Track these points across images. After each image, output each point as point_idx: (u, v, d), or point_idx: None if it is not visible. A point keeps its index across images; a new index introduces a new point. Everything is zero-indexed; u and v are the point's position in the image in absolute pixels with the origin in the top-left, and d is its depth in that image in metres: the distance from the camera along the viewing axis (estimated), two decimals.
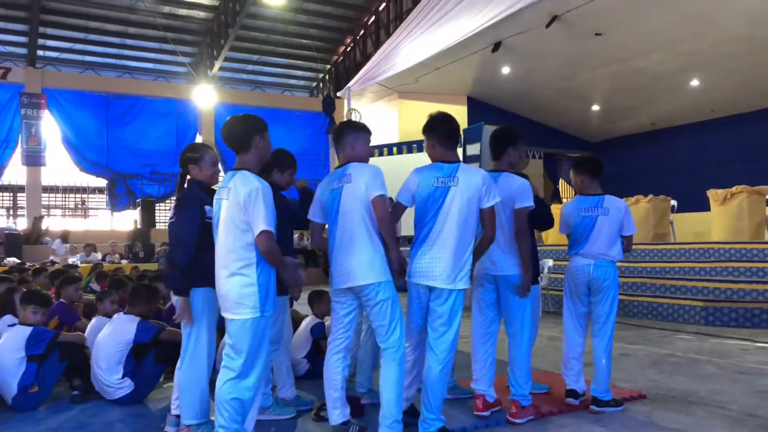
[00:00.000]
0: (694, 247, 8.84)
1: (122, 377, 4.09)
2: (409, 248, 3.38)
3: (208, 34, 17.80)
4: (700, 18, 11.47)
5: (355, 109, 15.81)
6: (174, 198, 13.97)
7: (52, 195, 17.47)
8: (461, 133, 13.40)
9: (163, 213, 17.34)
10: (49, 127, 16.40)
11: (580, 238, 3.91)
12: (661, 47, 12.83)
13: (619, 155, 17.97)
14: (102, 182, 17.58)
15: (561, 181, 19.33)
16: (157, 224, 15.32)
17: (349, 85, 15.80)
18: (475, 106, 17.16)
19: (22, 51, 16.67)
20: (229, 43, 16.75)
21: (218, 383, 2.90)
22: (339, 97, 17.27)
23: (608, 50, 13.27)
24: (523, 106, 17.46)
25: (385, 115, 17.53)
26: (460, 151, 13.20)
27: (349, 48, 19.15)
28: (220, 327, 3.21)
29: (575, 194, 4.12)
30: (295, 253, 3.98)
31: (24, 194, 16.53)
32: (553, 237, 10.81)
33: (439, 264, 3.18)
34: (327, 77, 20.41)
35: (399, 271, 3.30)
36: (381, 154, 15.06)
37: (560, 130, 19.01)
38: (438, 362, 3.19)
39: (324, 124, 18.63)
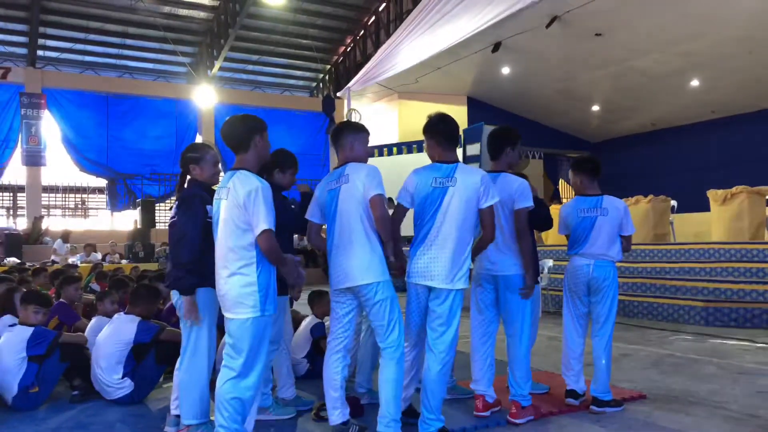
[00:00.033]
0: (694, 247, 8.83)
1: (122, 377, 4.09)
2: (408, 249, 3.38)
3: (208, 34, 17.80)
4: (700, 18, 11.47)
5: (355, 110, 15.81)
6: (174, 198, 13.98)
7: (52, 195, 17.46)
8: (461, 133, 13.42)
9: (163, 213, 17.33)
10: (49, 127, 16.40)
11: (579, 239, 3.91)
12: (661, 47, 12.83)
13: (619, 155, 17.97)
14: (102, 182, 17.58)
15: (561, 182, 19.33)
16: (157, 224, 15.31)
17: (349, 85, 15.80)
18: (475, 107, 17.16)
19: (22, 51, 16.67)
20: (229, 43, 16.75)
21: (218, 383, 2.90)
22: (339, 98, 17.27)
23: (608, 50, 13.27)
24: (523, 106, 17.46)
25: (385, 115, 17.53)
26: (460, 151, 13.20)
27: (349, 48, 19.15)
28: (220, 326, 3.21)
29: (575, 195, 4.12)
30: (296, 253, 3.97)
31: (24, 194, 16.52)
32: (553, 237, 10.81)
33: (437, 264, 3.18)
34: (327, 77, 20.40)
35: (399, 269, 3.30)
36: (381, 155, 15.06)
37: (560, 130, 19.01)
38: (437, 362, 3.19)
39: (324, 124, 18.64)
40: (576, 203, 3.99)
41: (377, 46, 16.42)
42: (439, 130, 3.38)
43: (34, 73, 16.31)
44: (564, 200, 17.97)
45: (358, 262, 3.12)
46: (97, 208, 18.17)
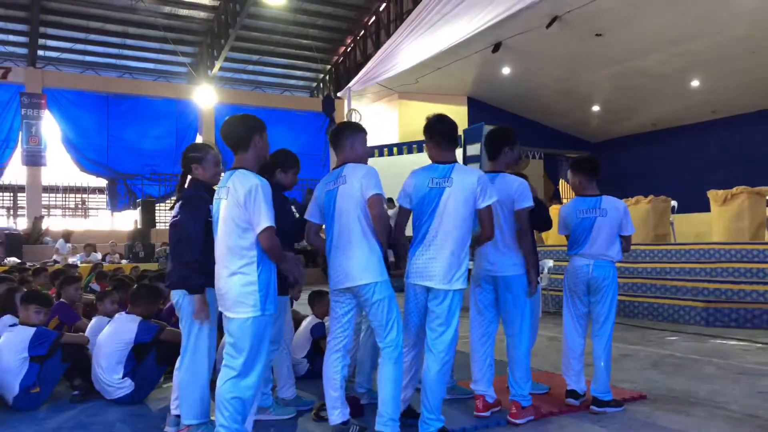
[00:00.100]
0: (694, 247, 8.83)
1: (122, 377, 4.09)
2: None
3: (208, 34, 17.81)
4: (700, 19, 11.47)
5: (355, 110, 15.81)
6: (174, 198, 13.99)
7: (53, 195, 17.47)
8: (461, 133, 13.42)
9: (164, 213, 17.34)
10: (50, 127, 16.40)
11: (579, 239, 3.92)
12: (662, 48, 12.83)
13: (620, 156, 17.96)
14: (102, 182, 17.59)
15: (561, 182, 19.32)
16: (157, 224, 15.32)
17: (349, 85, 15.80)
18: (476, 107, 17.16)
19: (23, 51, 16.67)
20: (230, 43, 16.75)
21: (219, 382, 2.90)
22: (339, 98, 17.27)
23: (609, 51, 13.26)
24: (524, 106, 17.45)
25: (385, 115, 17.53)
26: (460, 151, 13.20)
27: (350, 48, 19.15)
28: (219, 326, 3.21)
29: (574, 195, 4.12)
30: (296, 252, 3.97)
31: (24, 194, 16.52)
32: (553, 237, 10.80)
33: (436, 264, 3.19)
34: (327, 77, 20.41)
35: (397, 267, 3.31)
36: (381, 155, 15.06)
37: (560, 130, 19.01)
38: (437, 362, 3.20)
39: (324, 124, 18.64)
40: (575, 204, 3.99)
41: (377, 46, 16.42)
42: (437, 130, 3.39)
43: (35, 73, 16.31)
44: (564, 200, 17.96)
45: (357, 262, 3.12)
46: (97, 208, 18.17)
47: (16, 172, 16.49)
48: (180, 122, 17.93)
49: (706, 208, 9.75)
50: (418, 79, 14.72)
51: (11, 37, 16.41)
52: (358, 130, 3.41)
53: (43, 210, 16.52)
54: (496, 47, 13.29)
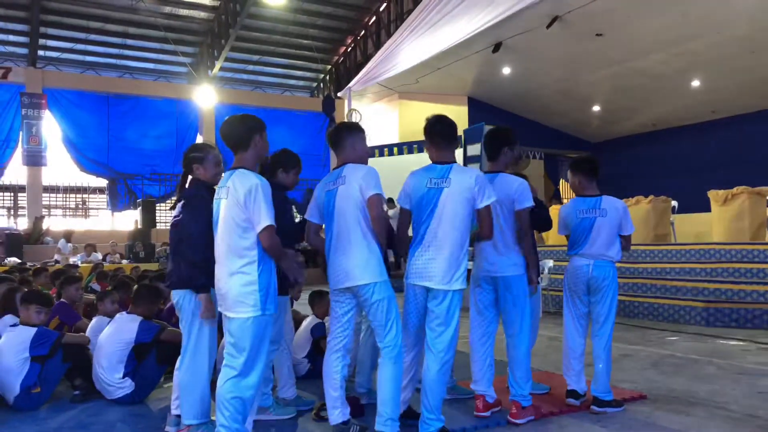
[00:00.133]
0: (694, 247, 8.83)
1: (123, 377, 4.10)
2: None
3: (208, 35, 17.81)
4: (700, 19, 11.47)
5: (355, 110, 15.81)
6: (174, 198, 13.98)
7: (53, 195, 17.47)
8: (461, 133, 13.43)
9: (164, 213, 17.34)
10: (50, 127, 16.40)
11: (579, 240, 3.92)
12: (662, 48, 12.83)
13: (620, 156, 17.96)
14: (103, 182, 17.59)
15: (562, 182, 19.32)
16: (157, 224, 15.32)
17: (349, 85, 15.81)
18: (476, 107, 17.16)
19: (23, 51, 16.68)
20: (230, 43, 16.75)
21: (219, 382, 2.90)
22: (340, 98, 17.27)
23: (609, 51, 13.27)
24: (524, 106, 17.46)
25: (386, 115, 17.54)
26: (460, 151, 13.21)
27: (350, 48, 19.15)
28: (219, 326, 3.21)
29: (574, 195, 4.12)
30: (297, 252, 3.96)
31: (25, 194, 16.52)
32: (553, 237, 10.81)
33: (435, 265, 3.20)
34: (327, 77, 20.41)
35: (398, 267, 3.32)
36: (381, 155, 15.06)
37: (561, 130, 19.01)
38: (436, 362, 3.20)
39: (324, 124, 18.64)
40: (575, 204, 3.99)
41: (378, 46, 16.42)
42: (435, 131, 3.41)
43: (35, 73, 16.31)
44: (565, 200, 17.96)
45: (356, 263, 3.13)
46: (97, 208, 18.18)
47: (16, 172, 16.50)
48: (180, 122, 17.94)
49: (706, 208, 9.74)
50: (419, 79, 14.72)
51: (11, 37, 16.41)
52: (357, 130, 3.41)
53: (43, 210, 16.52)
54: (497, 47, 13.30)
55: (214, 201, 3.07)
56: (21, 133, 15.94)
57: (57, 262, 12.33)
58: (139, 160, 17.43)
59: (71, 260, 12.46)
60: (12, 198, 17.27)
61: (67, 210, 17.91)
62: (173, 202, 3.51)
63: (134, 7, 15.64)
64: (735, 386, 4.36)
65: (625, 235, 3.93)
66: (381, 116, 17.44)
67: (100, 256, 13.43)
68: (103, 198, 17.78)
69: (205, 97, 17.56)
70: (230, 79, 19.40)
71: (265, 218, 2.85)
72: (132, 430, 3.64)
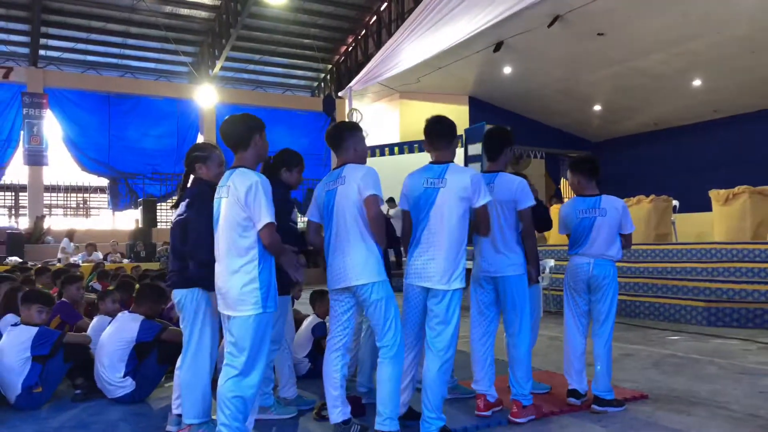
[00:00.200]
0: (696, 247, 8.82)
1: (124, 376, 4.10)
2: None
3: (209, 34, 17.82)
4: (702, 18, 11.46)
5: (356, 109, 15.80)
6: (175, 197, 13.94)
7: (54, 194, 17.50)
8: (462, 133, 13.42)
9: (165, 212, 17.36)
10: (51, 127, 16.43)
11: (579, 239, 3.93)
12: (663, 47, 12.81)
13: (621, 155, 17.95)
14: (104, 182, 17.62)
15: (563, 181, 19.31)
16: (158, 224, 15.34)
17: (350, 85, 15.79)
18: (477, 106, 17.15)
19: (24, 51, 16.70)
20: (231, 42, 16.76)
21: (220, 381, 2.91)
22: (340, 97, 17.27)
23: (610, 50, 13.25)
24: (525, 106, 17.44)
25: (387, 115, 17.53)
26: (461, 151, 13.20)
27: (351, 48, 19.15)
28: (220, 325, 3.21)
29: (574, 195, 4.12)
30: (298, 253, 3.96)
31: (26, 194, 16.55)
32: (554, 237, 10.80)
33: (433, 265, 3.22)
34: (328, 77, 20.41)
35: (398, 267, 3.33)
36: (382, 154, 15.06)
37: (562, 130, 18.99)
38: (437, 361, 3.20)
39: (325, 124, 18.64)
40: (574, 204, 4.00)
41: (379, 45, 16.42)
42: (431, 131, 3.44)
43: (36, 73, 16.34)
44: (566, 200, 17.95)
45: (355, 263, 3.14)
46: (98, 208, 18.21)
47: (17, 171, 16.54)
48: (181, 122, 17.96)
49: (707, 207, 9.73)
50: (420, 79, 14.71)
51: (13, 37, 16.44)
52: (357, 130, 3.42)
53: (44, 209, 16.55)
54: (498, 47, 13.28)
55: (215, 200, 3.07)
56: (22, 132, 15.97)
57: (59, 261, 12.34)
58: (140, 159, 17.45)
59: (72, 259, 12.48)
60: (13, 197, 17.30)
61: (68, 209, 17.94)
62: (175, 201, 3.50)
63: (135, 7, 15.66)
64: (736, 386, 4.36)
65: (625, 234, 3.93)
66: (382, 116, 17.44)
67: (101, 255, 13.45)
68: (104, 197, 17.80)
69: (206, 96, 17.58)
70: (231, 78, 19.42)
71: (265, 215, 2.86)
72: (133, 429, 3.64)
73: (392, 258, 3.52)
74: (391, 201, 11.10)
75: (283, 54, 18.86)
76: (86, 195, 18.09)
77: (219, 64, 17.76)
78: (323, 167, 18.62)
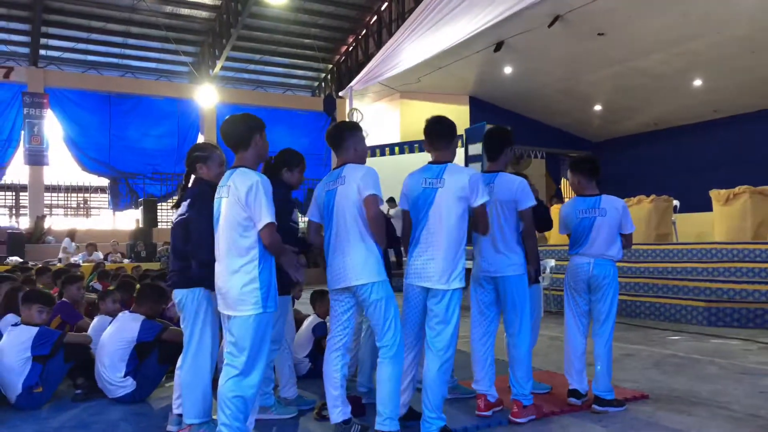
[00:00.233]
0: (696, 247, 8.82)
1: (125, 375, 4.10)
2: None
3: (210, 34, 17.82)
4: (702, 18, 11.45)
5: (356, 109, 15.81)
6: (176, 197, 13.93)
7: (55, 194, 17.50)
8: (463, 133, 13.42)
9: (165, 212, 17.36)
10: (52, 127, 16.44)
11: (579, 239, 3.93)
12: (664, 47, 12.81)
13: (622, 155, 17.94)
14: (104, 182, 17.63)
15: (563, 181, 19.31)
16: (159, 223, 15.34)
17: (351, 84, 15.79)
18: (477, 106, 17.14)
19: (25, 50, 16.70)
20: (231, 42, 16.76)
21: (220, 381, 2.91)
22: (341, 97, 17.27)
23: (611, 50, 13.24)
24: (525, 105, 17.44)
25: (387, 114, 17.53)
26: (462, 151, 13.20)
27: (351, 47, 19.15)
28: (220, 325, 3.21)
29: (574, 195, 4.13)
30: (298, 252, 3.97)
31: (26, 193, 16.56)
32: (555, 237, 10.80)
33: (433, 265, 3.22)
34: (329, 77, 20.41)
35: (399, 267, 3.33)
36: (383, 154, 15.06)
37: (562, 129, 18.98)
38: (436, 360, 3.21)
39: (325, 124, 18.64)
40: (574, 204, 4.00)
41: (379, 45, 16.42)
42: (429, 131, 3.45)
43: (37, 73, 16.34)
44: (566, 200, 17.94)
45: (354, 263, 3.14)
46: (99, 208, 18.21)
47: (18, 171, 16.55)
48: (182, 122, 17.97)
49: (708, 207, 9.73)
50: (420, 79, 14.71)
51: (14, 37, 16.45)
52: (357, 130, 3.42)
53: (45, 209, 16.55)
54: (498, 47, 13.28)
55: (215, 199, 3.08)
56: (23, 132, 15.97)
57: (60, 261, 12.35)
58: (140, 159, 17.46)
59: (72, 259, 12.48)
60: (14, 197, 17.31)
61: (69, 209, 17.94)
62: (175, 201, 3.50)
63: (136, 7, 15.66)
64: (737, 386, 4.35)
65: (625, 234, 3.93)
66: (382, 116, 17.43)
67: (101, 255, 13.46)
68: (105, 197, 17.81)
69: (207, 96, 17.59)
70: (231, 78, 19.42)
71: (265, 215, 2.87)
72: (134, 429, 3.64)
73: (393, 258, 3.53)
74: (391, 201, 11.10)
75: (284, 54, 18.86)
76: (87, 195, 18.10)
77: (219, 63, 17.76)
78: (324, 167, 18.62)
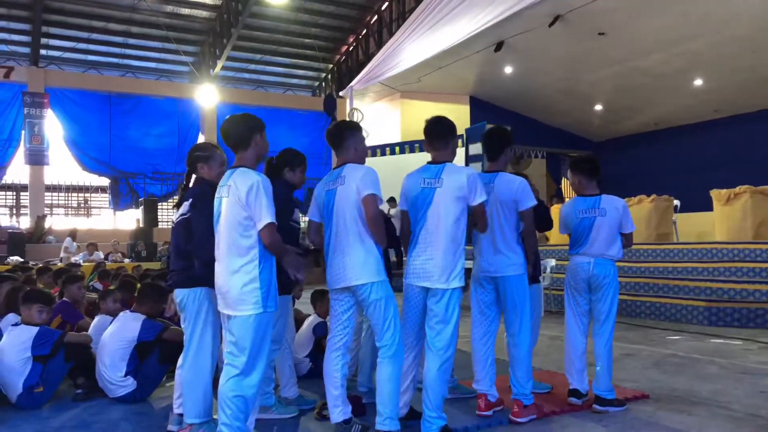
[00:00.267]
0: (697, 247, 8.82)
1: (125, 375, 4.10)
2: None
3: (210, 34, 17.82)
4: (702, 18, 11.45)
5: (357, 109, 15.80)
6: (176, 197, 13.98)
7: (55, 194, 17.51)
8: (463, 132, 13.42)
9: (166, 212, 17.36)
10: (52, 127, 16.43)
11: (579, 239, 3.93)
12: (664, 47, 12.81)
13: (622, 155, 17.94)
14: (105, 181, 17.63)
15: (564, 181, 19.31)
16: (159, 223, 15.34)
17: (351, 84, 15.79)
18: (478, 106, 17.14)
19: (25, 50, 16.71)
20: (232, 42, 16.77)
21: (221, 381, 2.91)
22: (341, 97, 17.27)
23: (611, 50, 13.24)
24: (526, 105, 17.44)
25: (388, 114, 17.53)
26: (462, 151, 13.20)
27: (352, 47, 19.15)
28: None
29: (574, 194, 4.13)
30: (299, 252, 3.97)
31: (27, 193, 16.56)
32: (555, 237, 10.80)
33: (432, 264, 3.23)
34: (329, 77, 20.41)
35: (399, 267, 3.34)
36: (383, 154, 15.05)
37: (563, 129, 18.98)
38: (437, 360, 3.21)
39: (326, 123, 18.64)
40: (574, 204, 4.00)
41: (380, 45, 16.41)
42: (428, 131, 3.46)
43: (37, 73, 16.34)
44: (567, 200, 17.92)
45: (354, 262, 3.15)
46: (99, 207, 18.22)
47: (18, 171, 16.55)
48: (182, 121, 17.96)
49: (708, 207, 9.73)
50: (421, 78, 14.70)
51: (14, 37, 16.45)
52: (357, 129, 3.43)
53: (45, 209, 16.56)
54: (499, 46, 13.28)
55: (215, 199, 3.08)
56: (23, 132, 15.97)
57: (61, 260, 12.35)
58: (141, 159, 17.46)
59: (73, 259, 12.49)
60: (14, 197, 17.31)
61: (69, 209, 17.95)
62: (176, 200, 3.52)
63: (136, 7, 15.66)
64: (737, 386, 4.36)
65: (626, 233, 3.94)
66: (383, 115, 17.43)
67: (102, 255, 13.46)
68: (105, 197, 17.81)
69: (207, 96, 17.59)
70: (232, 78, 19.42)
71: (266, 215, 2.87)
72: (134, 428, 3.64)
73: (393, 258, 3.53)
74: (391, 201, 11.10)
75: (284, 53, 18.86)
76: (87, 194, 18.10)
77: (220, 63, 17.76)
78: (324, 167, 18.61)
